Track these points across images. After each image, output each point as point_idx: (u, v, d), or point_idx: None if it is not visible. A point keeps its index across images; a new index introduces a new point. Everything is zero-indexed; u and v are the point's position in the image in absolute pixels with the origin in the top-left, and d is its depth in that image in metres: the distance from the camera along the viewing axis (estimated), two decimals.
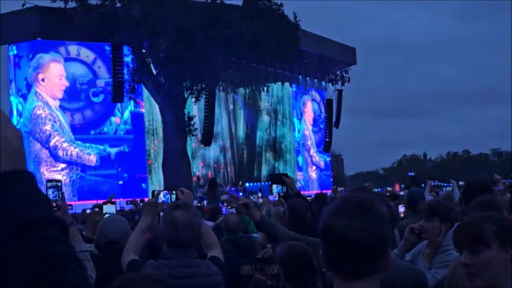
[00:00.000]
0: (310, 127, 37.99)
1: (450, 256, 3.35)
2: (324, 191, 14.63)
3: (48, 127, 24.51)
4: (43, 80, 24.58)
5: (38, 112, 24.43)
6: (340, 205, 1.54)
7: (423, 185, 13.48)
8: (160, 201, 3.53)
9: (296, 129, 36.96)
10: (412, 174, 17.07)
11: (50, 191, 3.42)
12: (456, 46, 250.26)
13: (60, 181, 3.59)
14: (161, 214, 3.17)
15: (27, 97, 24.65)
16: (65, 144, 24.77)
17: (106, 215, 4.35)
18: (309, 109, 37.93)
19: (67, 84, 25.01)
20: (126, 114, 26.50)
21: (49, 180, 3.52)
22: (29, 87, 24.68)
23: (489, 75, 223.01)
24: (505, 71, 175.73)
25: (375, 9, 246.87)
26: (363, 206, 1.51)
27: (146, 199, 7.77)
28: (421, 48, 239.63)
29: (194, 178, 27.41)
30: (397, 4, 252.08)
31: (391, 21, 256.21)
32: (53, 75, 24.83)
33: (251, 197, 20.53)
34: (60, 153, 24.68)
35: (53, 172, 24.07)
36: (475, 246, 2.14)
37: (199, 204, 14.14)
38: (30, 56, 24.66)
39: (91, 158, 25.28)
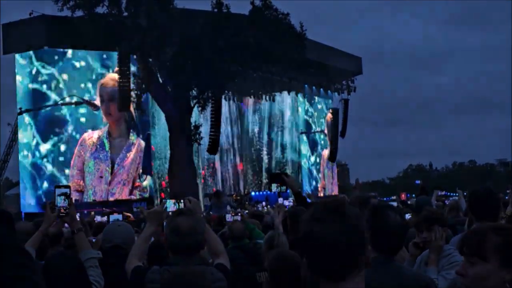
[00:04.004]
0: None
1: (457, 257, 3.38)
2: None
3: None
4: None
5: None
6: (315, 212, 1.64)
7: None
8: (168, 210, 3.53)
9: (303, 136, 36.87)
10: (419, 182, 17.08)
11: (61, 199, 3.43)
12: (453, 55, 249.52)
13: (68, 187, 3.64)
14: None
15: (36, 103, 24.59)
16: None
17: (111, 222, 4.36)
18: (318, 117, 37.87)
19: None
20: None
21: (57, 186, 3.53)
22: (39, 93, 24.57)
23: (493, 85, 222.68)
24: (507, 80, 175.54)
25: (378, 19, 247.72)
26: (336, 210, 1.61)
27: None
28: (424, 57, 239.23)
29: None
30: (398, 13, 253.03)
31: (393, 31, 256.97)
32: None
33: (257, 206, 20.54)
34: None
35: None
36: (471, 258, 1.93)
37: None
38: (38, 64, 24.69)
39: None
